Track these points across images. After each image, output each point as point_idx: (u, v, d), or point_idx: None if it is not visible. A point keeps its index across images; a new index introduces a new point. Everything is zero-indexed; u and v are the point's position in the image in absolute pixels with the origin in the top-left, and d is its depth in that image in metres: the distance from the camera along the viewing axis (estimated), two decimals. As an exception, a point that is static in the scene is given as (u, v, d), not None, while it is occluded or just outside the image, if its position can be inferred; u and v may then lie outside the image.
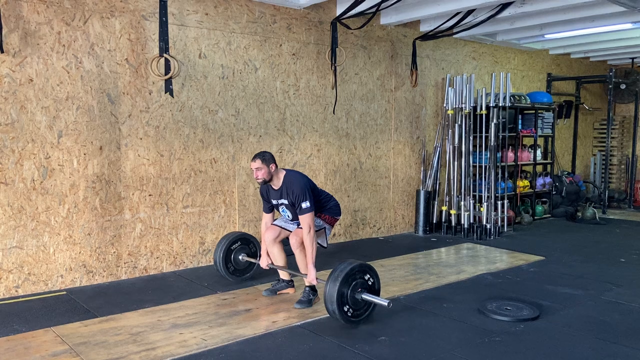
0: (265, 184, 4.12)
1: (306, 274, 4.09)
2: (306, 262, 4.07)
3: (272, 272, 4.87)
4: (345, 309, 3.59)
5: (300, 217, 4.00)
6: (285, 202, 4.10)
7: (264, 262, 4.37)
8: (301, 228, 4.05)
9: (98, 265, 4.72)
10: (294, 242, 4.08)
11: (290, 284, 4.42)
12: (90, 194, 4.62)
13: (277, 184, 4.09)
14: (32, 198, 4.34)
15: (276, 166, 4.06)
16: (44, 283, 4.46)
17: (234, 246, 4.68)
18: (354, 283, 3.62)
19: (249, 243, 4.78)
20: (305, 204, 3.95)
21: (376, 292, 3.77)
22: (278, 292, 4.38)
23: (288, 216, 4.24)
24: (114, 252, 4.79)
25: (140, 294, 4.44)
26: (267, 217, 4.35)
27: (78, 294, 4.41)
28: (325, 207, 4.25)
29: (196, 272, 5.13)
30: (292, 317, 3.87)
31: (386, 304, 3.57)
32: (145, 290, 4.55)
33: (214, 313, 3.97)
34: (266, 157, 4.00)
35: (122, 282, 4.77)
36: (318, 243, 4.21)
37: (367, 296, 3.64)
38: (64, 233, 4.52)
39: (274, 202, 4.20)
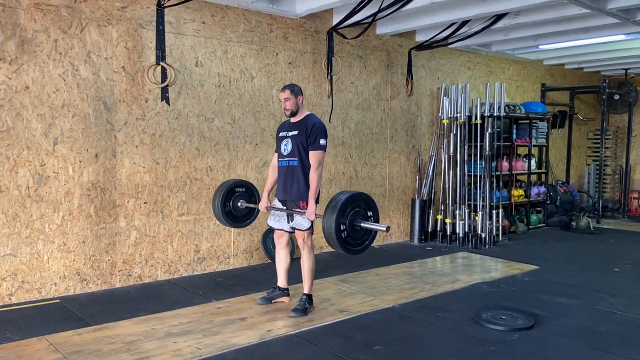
0: (293, 115, 4.09)
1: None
2: (308, 272, 4.12)
3: (267, 281, 4.87)
4: (342, 228, 3.49)
5: (312, 152, 3.97)
6: (296, 132, 4.02)
7: (262, 204, 4.30)
8: (301, 230, 4.05)
9: (92, 273, 4.70)
10: (300, 243, 4.12)
11: (285, 292, 4.40)
12: (85, 201, 4.61)
13: (297, 118, 4.10)
14: (27, 205, 4.33)
15: (303, 100, 4.12)
16: (38, 291, 4.44)
17: (235, 190, 4.45)
18: (354, 210, 3.52)
19: (251, 194, 4.55)
20: (323, 141, 3.97)
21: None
22: (273, 301, 4.37)
23: (286, 148, 4.07)
24: (108, 260, 4.77)
25: (135, 302, 4.42)
26: (276, 157, 4.24)
27: (72, 302, 4.39)
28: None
29: (191, 280, 5.11)
30: (288, 326, 3.86)
31: (384, 228, 3.49)
32: (139, 298, 4.53)
33: (209, 322, 3.95)
34: (295, 89, 4.06)
35: (116, 290, 4.75)
36: (317, 215, 4.07)
37: (365, 223, 3.56)
38: (58, 241, 4.50)
39: (283, 133, 4.13)
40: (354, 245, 3.61)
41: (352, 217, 3.52)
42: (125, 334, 3.69)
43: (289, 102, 4.03)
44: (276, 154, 4.24)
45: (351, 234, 3.55)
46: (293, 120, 4.12)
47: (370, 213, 3.63)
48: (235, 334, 3.71)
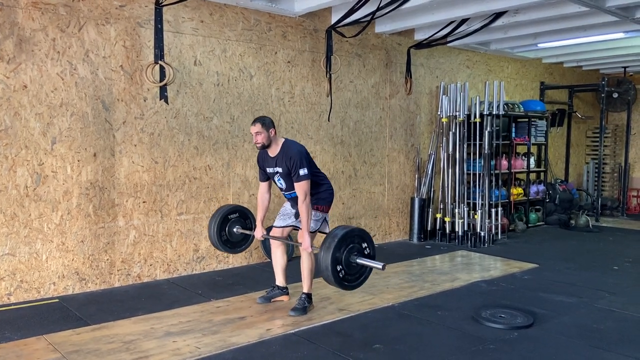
0: (264, 149, 4.06)
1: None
2: (307, 272, 4.11)
3: (267, 280, 4.87)
4: (339, 269, 3.49)
5: (296, 184, 3.93)
6: (280, 170, 4.02)
7: (258, 233, 4.31)
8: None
9: (91, 272, 4.69)
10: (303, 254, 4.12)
11: (284, 291, 4.40)
12: (83, 200, 4.60)
13: (274, 150, 4.03)
14: (25, 205, 4.32)
15: (275, 132, 4.02)
16: (37, 290, 4.43)
17: (230, 217, 4.47)
18: (349, 247, 3.52)
19: (245, 218, 4.56)
20: (302, 171, 3.90)
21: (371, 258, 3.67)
22: (272, 300, 4.37)
23: (282, 185, 4.12)
24: (107, 260, 4.77)
25: (134, 301, 4.41)
26: (263, 186, 4.26)
27: (71, 301, 4.38)
28: (319, 190, 4.14)
29: (190, 279, 5.10)
30: (287, 325, 3.86)
31: (380, 266, 3.47)
32: (138, 297, 4.53)
33: (208, 321, 3.95)
34: (266, 122, 3.96)
35: (115, 290, 4.74)
36: (320, 231, 4.15)
37: (361, 260, 3.55)
38: (57, 240, 4.49)
39: (270, 170, 4.12)
40: (351, 281, 3.61)
41: (347, 254, 3.52)
42: (124, 333, 3.69)
43: (260, 136, 3.95)
44: (263, 184, 4.24)
45: (348, 271, 3.55)
46: (271, 153, 4.06)
47: (365, 245, 3.63)
48: (235, 333, 3.70)
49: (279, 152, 4.01)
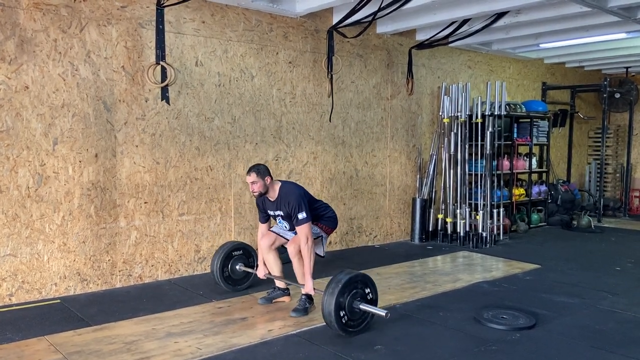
0: (262, 196, 4.13)
1: (303, 284, 4.10)
2: (303, 272, 4.07)
3: (268, 280, 4.86)
4: (342, 314, 3.56)
5: (297, 228, 4.01)
6: (282, 213, 4.11)
7: (261, 272, 4.37)
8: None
9: (92, 273, 4.69)
10: (291, 250, 4.08)
11: (286, 292, 4.40)
12: (85, 201, 4.60)
13: (273, 195, 4.10)
14: (27, 205, 4.32)
15: (271, 178, 4.08)
16: (38, 291, 4.43)
17: (233, 254, 4.64)
18: (352, 292, 3.60)
19: (248, 255, 4.74)
20: (301, 215, 3.95)
21: (373, 303, 3.75)
22: (274, 300, 4.36)
23: (285, 227, 4.25)
24: (108, 260, 4.77)
25: (135, 302, 4.41)
26: (263, 227, 4.35)
27: (72, 302, 4.38)
28: (322, 216, 4.26)
29: (191, 280, 5.10)
30: (288, 326, 3.85)
31: (384, 314, 3.55)
32: (139, 298, 4.53)
33: (209, 322, 3.94)
34: (261, 170, 4.01)
35: (116, 291, 4.74)
36: (315, 253, 4.20)
37: (364, 306, 3.62)
38: (59, 241, 4.49)
39: (271, 213, 4.22)
40: (354, 327, 3.66)
41: (350, 300, 3.58)
42: (126, 334, 3.68)
43: (256, 185, 4.00)
44: (263, 225, 4.33)
45: (351, 317, 3.61)
46: (270, 198, 4.12)
47: (367, 290, 3.69)
48: (236, 333, 3.70)
49: (277, 197, 4.08)
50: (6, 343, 3.50)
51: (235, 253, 4.66)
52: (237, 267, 4.65)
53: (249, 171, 4.02)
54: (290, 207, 3.98)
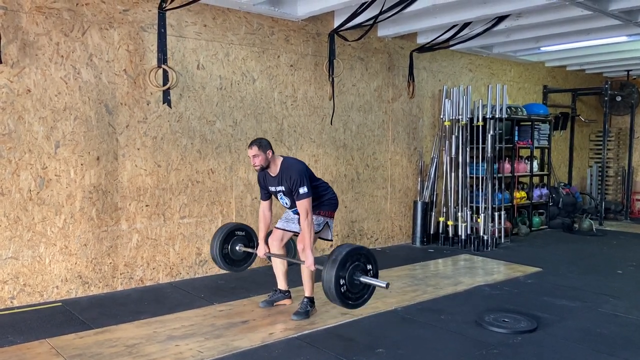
0: (263, 171, 4.09)
1: (304, 261, 4.03)
2: (308, 276, 4.08)
3: (269, 282, 4.86)
4: (341, 283, 3.49)
5: (297, 202, 3.95)
6: (283, 189, 4.05)
7: (261, 251, 4.32)
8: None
9: (94, 276, 4.69)
10: (301, 247, 4.08)
11: (287, 295, 4.40)
12: (86, 204, 4.61)
13: (274, 170, 4.06)
14: (29, 208, 4.33)
15: (273, 152, 4.04)
16: (40, 294, 4.43)
17: (236, 233, 4.50)
18: (354, 264, 3.52)
19: (250, 240, 4.58)
20: (302, 189, 3.91)
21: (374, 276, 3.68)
22: (275, 304, 4.36)
23: (286, 203, 4.17)
24: (110, 263, 4.77)
25: (136, 305, 4.42)
26: (264, 205, 4.30)
27: (73, 305, 4.38)
28: (322, 200, 4.17)
29: (193, 283, 5.10)
30: (289, 329, 3.85)
31: (384, 285, 3.46)
32: (141, 301, 4.53)
33: (211, 325, 3.94)
34: (263, 144, 3.98)
35: (118, 293, 4.74)
36: (323, 238, 4.19)
37: (365, 278, 3.54)
38: (60, 244, 4.50)
39: (272, 189, 4.15)
40: (353, 300, 3.59)
41: (351, 271, 3.52)
42: (127, 337, 3.69)
43: (258, 158, 3.97)
44: (265, 202, 4.27)
45: (350, 288, 3.54)
46: (271, 173, 4.08)
47: (369, 267, 3.63)
48: (237, 337, 3.70)
49: (279, 172, 4.04)
50: (8, 346, 3.50)
51: (238, 233, 4.50)
52: (237, 247, 4.48)
53: (251, 144, 3.99)
54: (292, 182, 3.94)
